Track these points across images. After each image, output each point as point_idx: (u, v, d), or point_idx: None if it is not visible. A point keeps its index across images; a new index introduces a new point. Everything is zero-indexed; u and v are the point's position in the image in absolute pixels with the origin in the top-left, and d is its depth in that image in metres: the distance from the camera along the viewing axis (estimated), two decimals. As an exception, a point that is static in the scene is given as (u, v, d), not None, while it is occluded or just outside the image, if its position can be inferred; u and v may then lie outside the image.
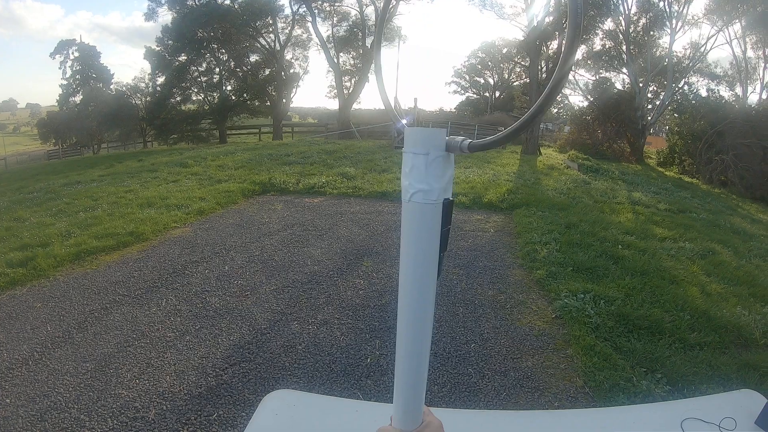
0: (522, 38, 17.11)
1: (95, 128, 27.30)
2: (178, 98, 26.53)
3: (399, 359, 0.59)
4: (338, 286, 4.24)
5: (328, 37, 25.09)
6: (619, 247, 5.30)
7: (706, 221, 7.77)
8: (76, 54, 28.41)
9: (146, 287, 4.04)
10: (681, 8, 18.53)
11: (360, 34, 24.93)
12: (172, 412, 2.41)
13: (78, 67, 28.30)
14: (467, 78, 37.83)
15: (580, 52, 20.62)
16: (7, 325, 3.30)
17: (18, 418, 2.32)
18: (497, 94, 35.67)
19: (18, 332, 3.19)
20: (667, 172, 17.08)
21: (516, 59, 25.83)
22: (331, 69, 24.83)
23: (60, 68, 28.30)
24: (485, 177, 9.31)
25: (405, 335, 0.57)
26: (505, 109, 30.12)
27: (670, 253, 5.38)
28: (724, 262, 5.21)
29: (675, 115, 19.83)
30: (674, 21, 18.72)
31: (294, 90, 28.01)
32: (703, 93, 19.97)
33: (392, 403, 0.63)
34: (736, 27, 18.49)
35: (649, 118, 19.84)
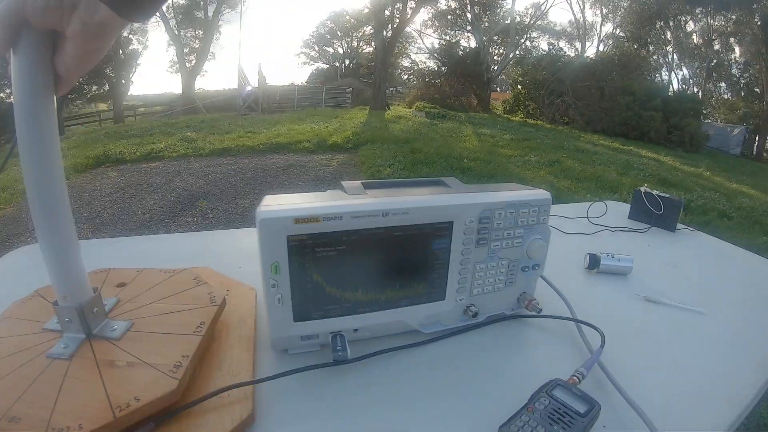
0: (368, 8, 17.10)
1: None
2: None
3: None
4: (169, 227, 3.86)
5: (168, 7, 22.63)
6: (465, 161, 5.61)
7: (550, 145, 8.60)
8: None
9: None
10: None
11: (201, 3, 22.95)
12: None
13: None
14: (316, 48, 37.05)
15: (426, 12, 21.51)
16: None
17: None
18: (347, 62, 35.57)
19: None
20: (512, 118, 18.70)
21: (363, 29, 25.99)
22: (172, 42, 22.56)
23: None
24: (331, 127, 9.20)
25: None
26: (356, 75, 30.23)
27: (517, 164, 5.85)
28: (570, 167, 5.81)
29: (518, 68, 21.76)
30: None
31: (134, 69, 24.91)
32: (545, 47, 22.24)
33: None
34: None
35: (494, 69, 21.51)
